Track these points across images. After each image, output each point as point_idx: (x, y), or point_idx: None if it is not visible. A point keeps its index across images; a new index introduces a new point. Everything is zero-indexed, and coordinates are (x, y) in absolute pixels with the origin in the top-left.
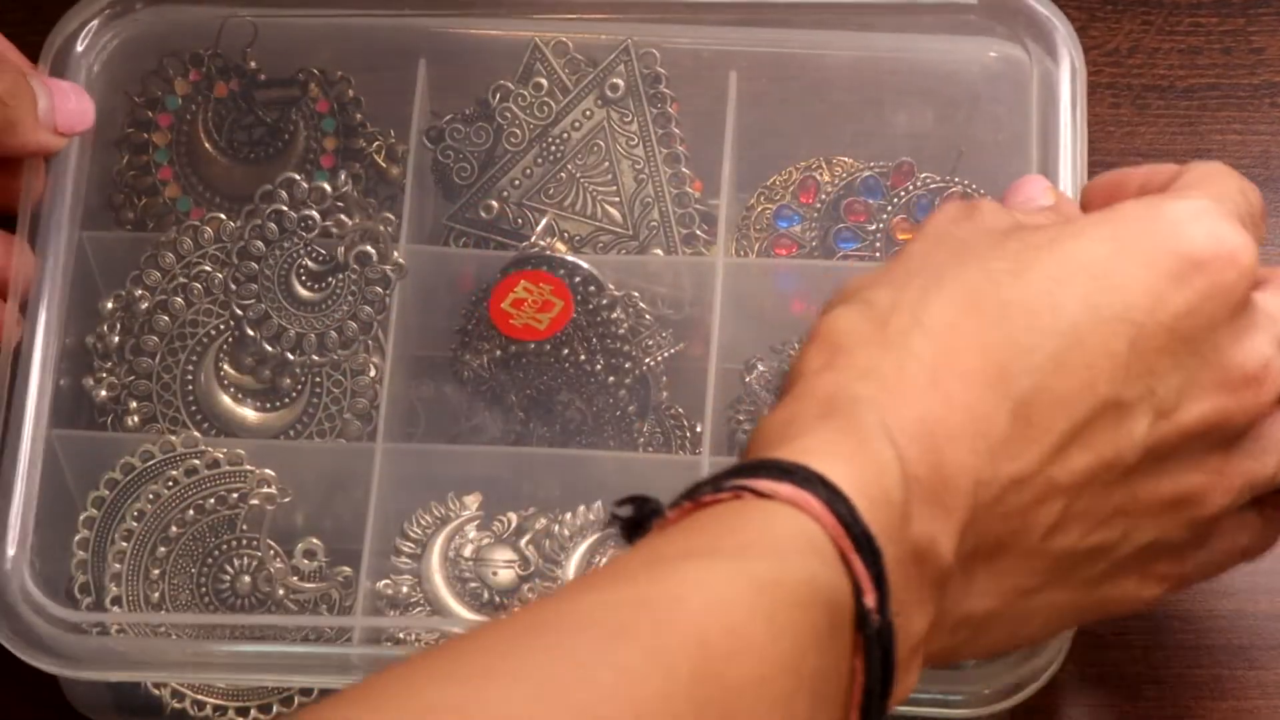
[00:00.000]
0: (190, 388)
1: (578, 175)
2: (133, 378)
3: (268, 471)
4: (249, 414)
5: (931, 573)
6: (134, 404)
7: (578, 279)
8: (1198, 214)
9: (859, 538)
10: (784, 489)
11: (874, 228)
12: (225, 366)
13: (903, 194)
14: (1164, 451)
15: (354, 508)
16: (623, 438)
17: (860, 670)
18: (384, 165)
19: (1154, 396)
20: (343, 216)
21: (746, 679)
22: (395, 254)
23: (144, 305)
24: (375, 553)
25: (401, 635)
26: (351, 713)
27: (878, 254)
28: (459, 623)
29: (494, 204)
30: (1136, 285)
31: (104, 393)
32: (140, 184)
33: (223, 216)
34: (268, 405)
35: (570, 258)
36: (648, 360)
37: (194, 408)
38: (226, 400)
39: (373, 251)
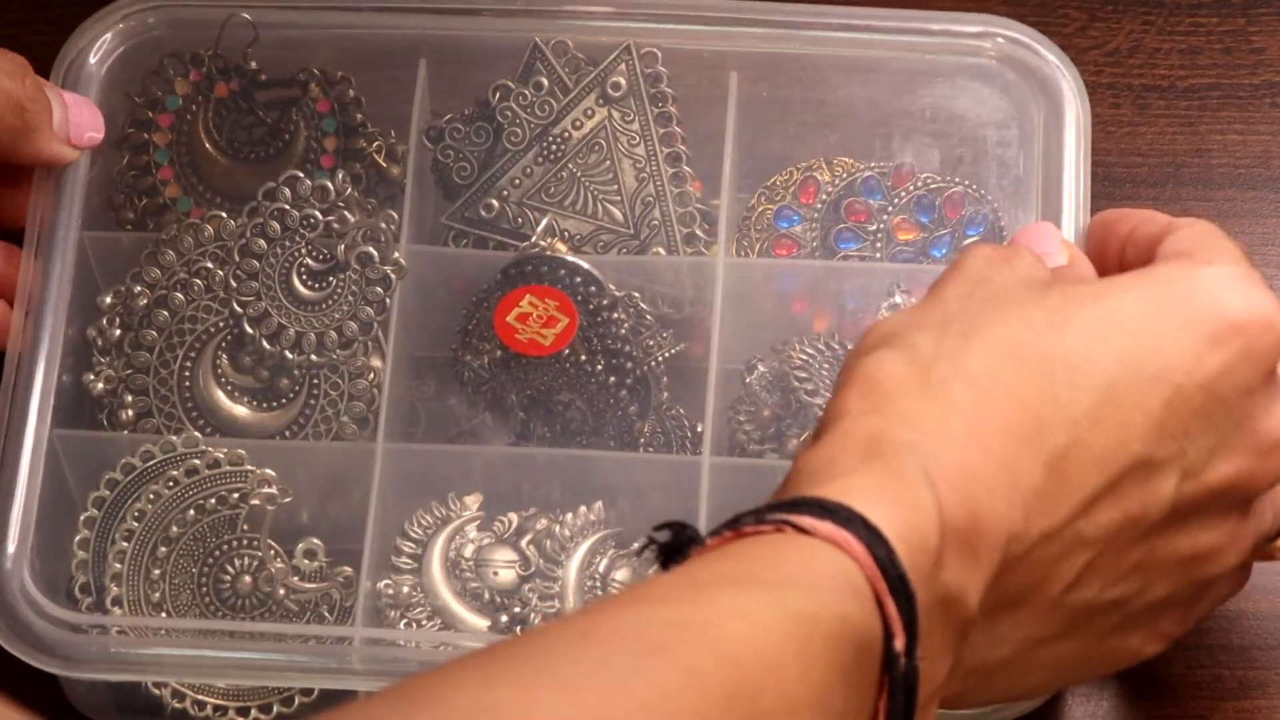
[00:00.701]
0: (188, 384)
1: (578, 174)
2: (130, 371)
3: (268, 472)
4: (245, 412)
5: (956, 621)
6: (130, 398)
7: (578, 279)
8: (1235, 280)
9: (895, 581)
10: (825, 527)
11: (875, 228)
12: (223, 364)
13: (903, 194)
14: (1188, 510)
15: (355, 508)
16: (623, 438)
17: (883, 711)
18: (384, 165)
19: (1185, 456)
20: (346, 213)
21: (777, 708)
22: (396, 254)
23: (143, 301)
24: (376, 553)
25: (401, 642)
26: (386, 714)
27: (878, 254)
28: (460, 626)
29: (494, 203)
30: (1175, 346)
31: (101, 385)
32: (140, 184)
33: (224, 215)
34: (265, 404)
35: (570, 258)
36: (649, 361)
37: (190, 404)
38: (223, 398)
39: (374, 252)
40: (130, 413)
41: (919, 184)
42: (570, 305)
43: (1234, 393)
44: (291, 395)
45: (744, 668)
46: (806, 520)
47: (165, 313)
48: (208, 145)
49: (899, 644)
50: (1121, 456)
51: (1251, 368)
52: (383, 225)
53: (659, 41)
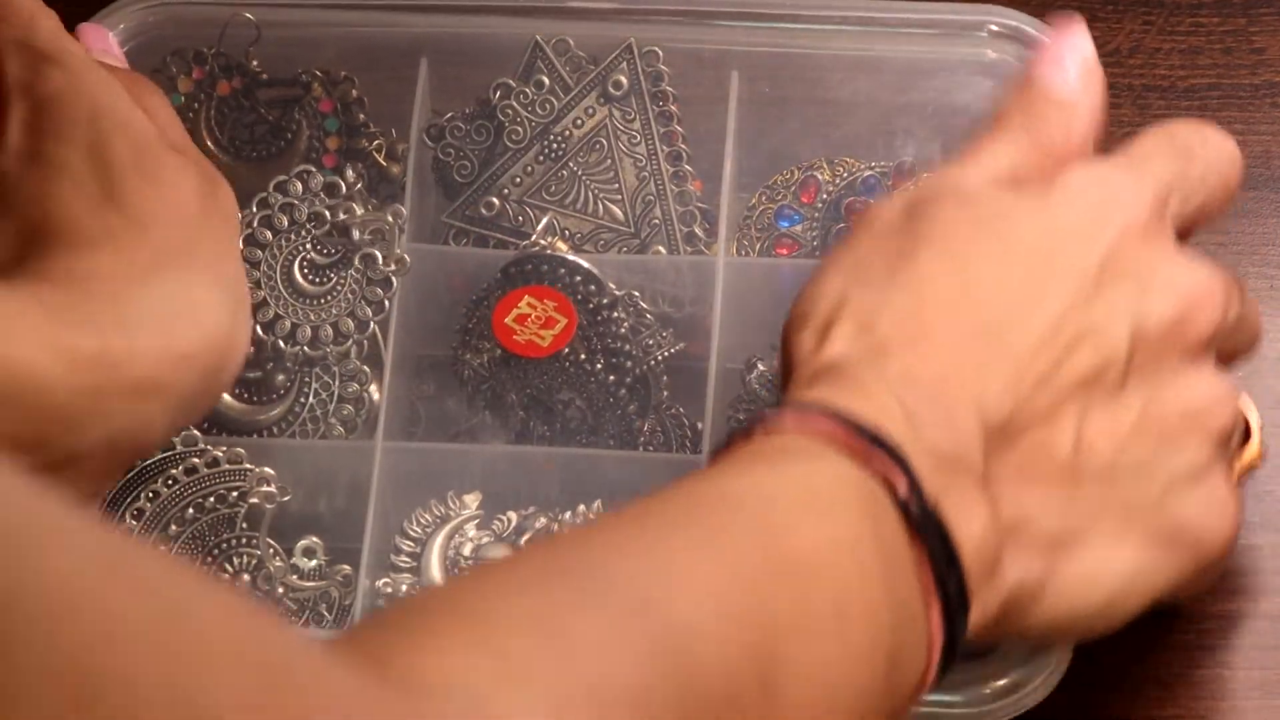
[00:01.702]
0: None
1: (579, 173)
2: None
3: (267, 470)
4: (235, 404)
5: (964, 469)
6: None
7: (578, 278)
8: (1126, 170)
9: (871, 437)
10: (788, 419)
11: None
12: None
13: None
14: (1155, 360)
15: (354, 507)
16: (623, 437)
17: (926, 561)
18: (384, 164)
19: (1120, 311)
20: (354, 206)
21: (814, 554)
22: (398, 250)
23: None
24: (375, 551)
25: None
26: (535, 579)
27: None
28: None
29: (495, 201)
30: (1078, 241)
31: None
32: None
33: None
34: (256, 398)
35: (571, 257)
36: (648, 360)
37: None
38: None
39: (377, 254)
40: None
41: (919, 183)
42: (569, 306)
43: (1136, 252)
44: (283, 391)
45: (770, 524)
46: (769, 423)
47: None
48: (210, 143)
49: (901, 489)
50: (1062, 334)
51: (1128, 226)
52: (389, 220)
53: (660, 40)
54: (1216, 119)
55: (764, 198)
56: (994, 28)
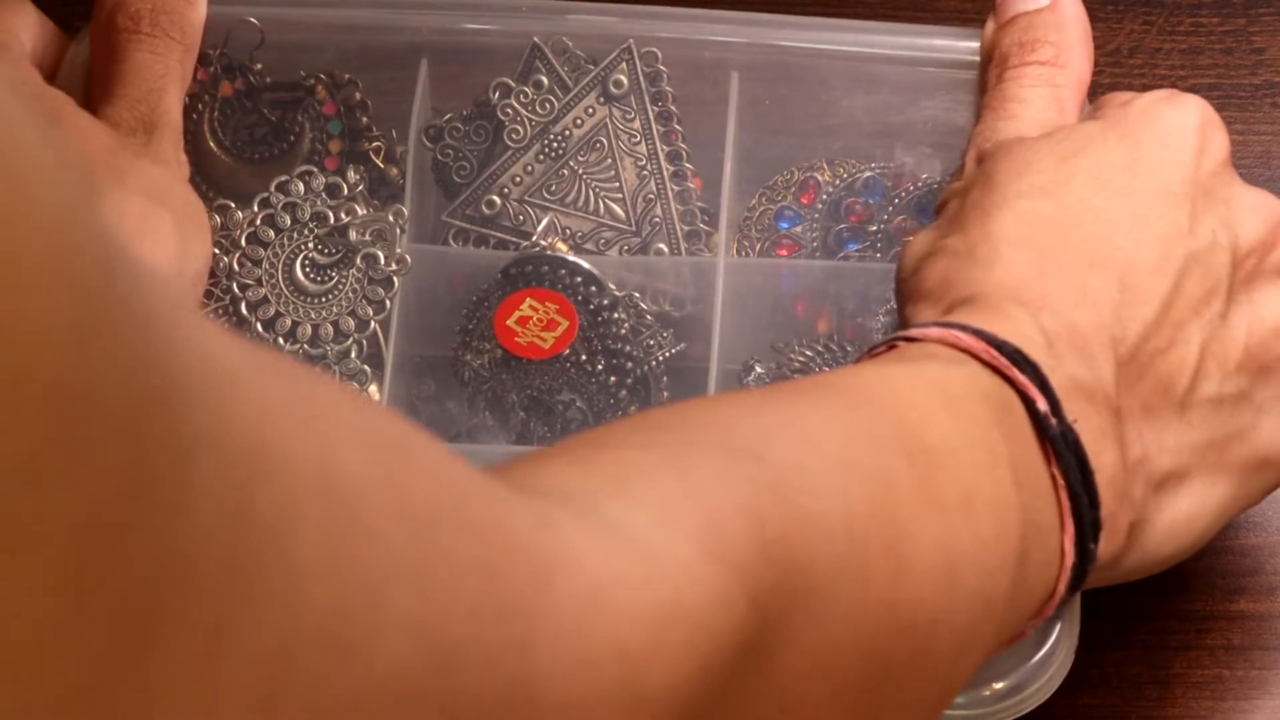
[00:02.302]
0: None
1: (580, 172)
2: None
3: None
4: None
5: (1100, 401)
6: None
7: (579, 279)
8: (1167, 96)
9: (1012, 355)
10: (932, 331)
11: (875, 229)
12: None
13: (903, 195)
14: (1251, 281)
15: None
16: None
17: (1060, 475)
18: (383, 166)
19: (1217, 238)
20: (355, 206)
21: (942, 444)
22: (399, 251)
23: None
24: None
25: None
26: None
27: (879, 255)
28: None
29: (495, 200)
30: (1164, 166)
31: None
32: None
33: (232, 204)
34: None
35: (571, 258)
36: (649, 361)
37: None
38: None
39: (379, 253)
40: None
41: (919, 185)
42: (570, 308)
43: (1213, 178)
44: None
45: (903, 412)
46: (914, 332)
47: None
48: (212, 145)
49: (1041, 405)
50: (1173, 259)
51: (1213, 157)
52: (390, 220)
53: (660, 41)
54: None
55: (764, 199)
56: None
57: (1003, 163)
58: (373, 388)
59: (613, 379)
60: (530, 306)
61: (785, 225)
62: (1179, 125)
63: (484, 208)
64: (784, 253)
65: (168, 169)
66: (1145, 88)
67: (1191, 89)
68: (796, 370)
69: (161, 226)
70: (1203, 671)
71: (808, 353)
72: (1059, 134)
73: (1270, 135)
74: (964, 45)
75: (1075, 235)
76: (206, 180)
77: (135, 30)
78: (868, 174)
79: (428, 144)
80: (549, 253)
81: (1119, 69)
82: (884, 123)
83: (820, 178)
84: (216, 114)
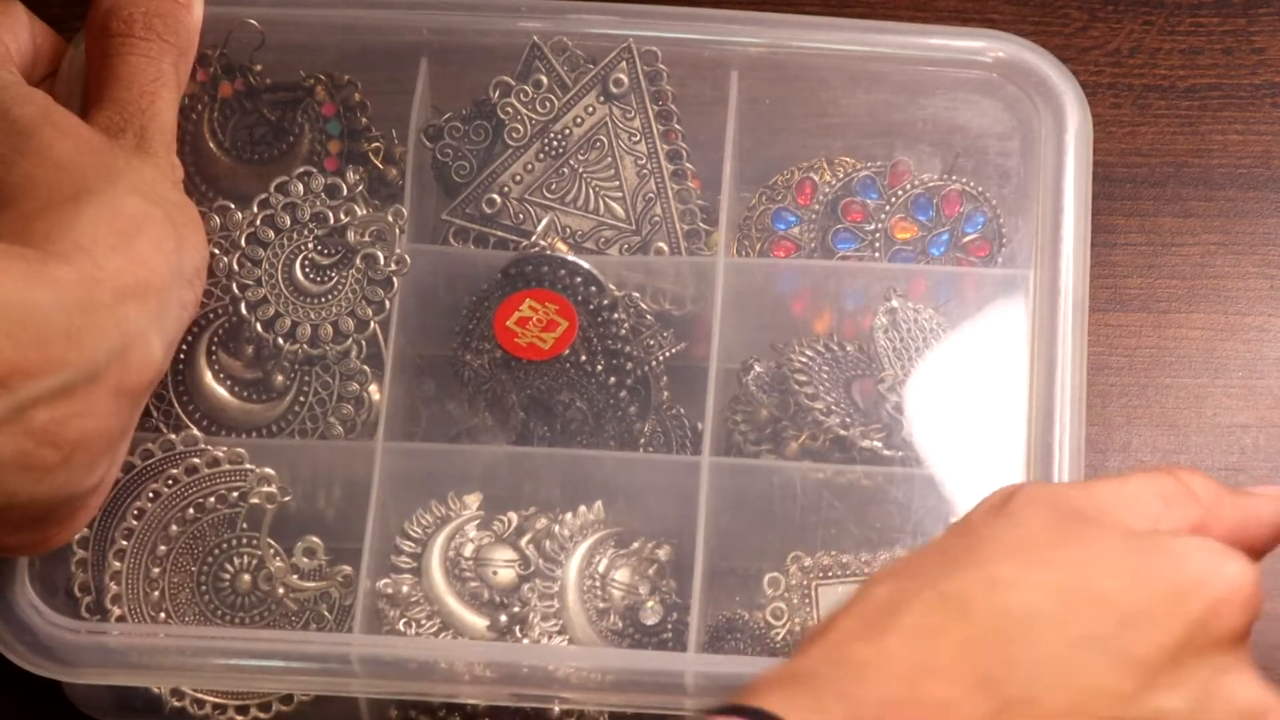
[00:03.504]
0: (181, 371)
1: (580, 170)
2: None
3: (268, 470)
4: (235, 402)
5: None
6: None
7: (578, 279)
8: (1196, 546)
9: None
10: None
11: (872, 228)
12: (218, 352)
13: (900, 193)
14: None
15: (354, 506)
16: (624, 438)
17: None
18: (381, 167)
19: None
20: (355, 206)
21: None
22: (399, 251)
23: None
24: (376, 552)
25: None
26: None
27: (877, 254)
28: (460, 625)
29: (496, 198)
30: (1136, 612)
31: None
32: None
33: (231, 205)
34: (256, 396)
35: (571, 258)
36: (649, 361)
37: (183, 393)
38: (214, 386)
39: (379, 254)
40: None
41: (916, 183)
42: (570, 309)
43: (1196, 656)
44: (283, 390)
45: None
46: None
47: None
48: (212, 145)
49: None
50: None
51: (1209, 632)
52: (389, 220)
53: (659, 40)
54: (1216, 119)
55: (763, 198)
56: (997, 53)
57: (1005, 524)
58: (373, 387)
59: (613, 379)
60: (530, 307)
61: (782, 226)
62: (1187, 577)
63: (484, 206)
64: (781, 253)
65: (159, 170)
66: (1145, 88)
67: (1191, 89)
68: (796, 371)
69: (155, 226)
70: None
71: (808, 352)
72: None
73: (1270, 135)
74: (963, 45)
75: (983, 647)
76: (206, 181)
77: (129, 34)
78: (864, 173)
79: (427, 143)
80: (549, 252)
81: (1119, 69)
82: (884, 121)
83: (817, 177)
84: (216, 115)
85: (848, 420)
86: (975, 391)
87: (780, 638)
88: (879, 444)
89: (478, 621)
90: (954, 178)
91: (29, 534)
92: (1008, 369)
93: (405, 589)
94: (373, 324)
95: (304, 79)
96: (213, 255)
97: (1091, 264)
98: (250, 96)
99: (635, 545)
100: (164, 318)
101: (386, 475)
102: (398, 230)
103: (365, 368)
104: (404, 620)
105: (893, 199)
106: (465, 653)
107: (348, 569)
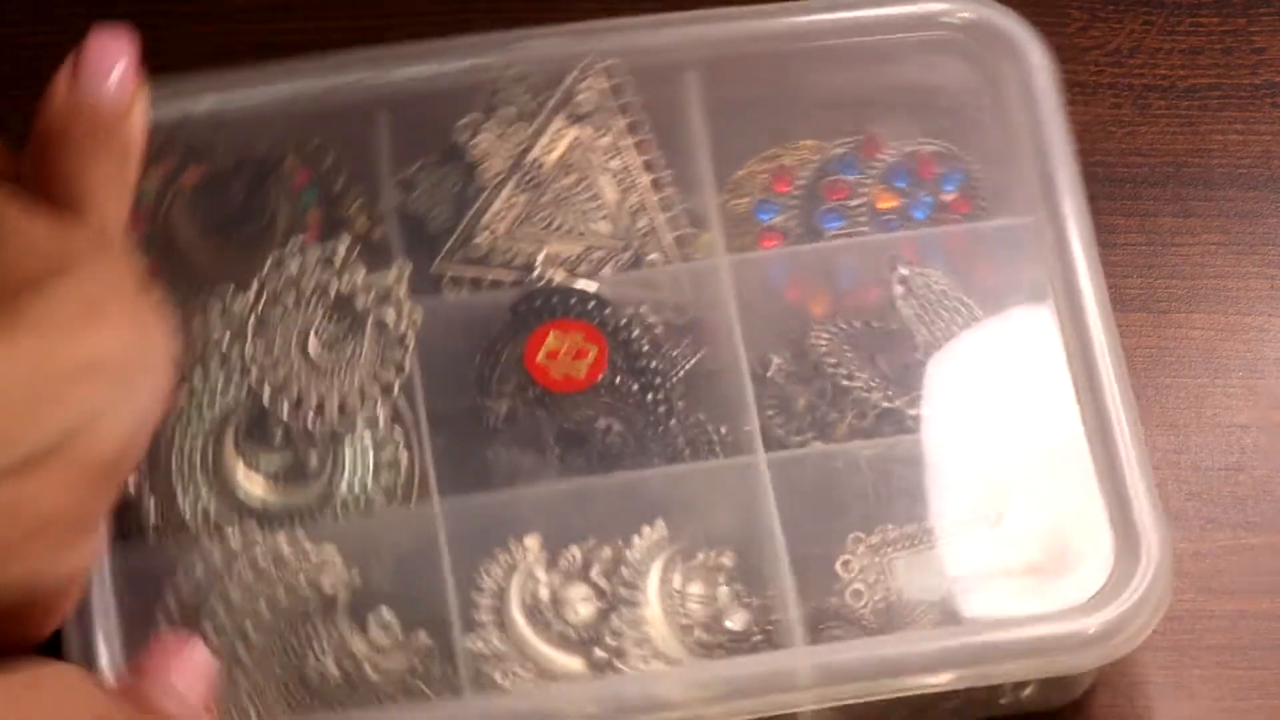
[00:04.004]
0: (211, 471)
1: (561, 197)
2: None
3: (330, 549)
4: (273, 491)
5: None
6: (155, 499)
7: (590, 305)
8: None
9: None
10: None
11: (857, 203)
12: (244, 442)
13: (876, 164)
14: None
15: (424, 571)
16: (668, 453)
17: None
18: (367, 224)
19: None
20: (351, 272)
21: None
22: (406, 308)
23: None
24: (458, 613)
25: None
26: None
27: (865, 228)
28: (557, 669)
29: (479, 243)
30: None
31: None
32: None
33: (232, 287)
34: (293, 480)
35: (578, 285)
36: (675, 372)
37: (220, 491)
38: (250, 478)
39: (388, 314)
40: (159, 516)
41: (889, 150)
42: (596, 332)
43: None
44: (318, 469)
45: None
46: None
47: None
48: (190, 234)
49: None
50: None
51: None
52: (390, 280)
53: (615, 53)
54: (1217, 119)
55: (740, 192)
56: (951, 10)
57: None
58: (403, 453)
59: (648, 396)
60: (555, 339)
61: (766, 217)
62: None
63: (473, 250)
64: (769, 243)
65: (120, 261)
66: (1145, 88)
67: (1191, 89)
68: (825, 354)
69: (120, 310)
70: (1203, 672)
71: (824, 336)
72: None
73: (1270, 135)
74: (918, 10)
75: None
76: (190, 270)
77: (65, 141)
78: (839, 150)
79: (402, 193)
80: (553, 283)
81: (1119, 69)
82: (854, 96)
83: (793, 162)
84: (186, 203)
85: (890, 393)
86: (1007, 342)
87: (868, 616)
88: (924, 411)
89: (571, 662)
90: (925, 140)
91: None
92: (1032, 317)
93: (495, 642)
94: (396, 385)
95: (270, 151)
96: (219, 341)
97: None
98: (217, 179)
99: (700, 557)
100: (130, 401)
101: (447, 533)
102: (401, 289)
103: (398, 429)
104: (499, 673)
105: (870, 171)
106: (580, 694)
107: (427, 636)
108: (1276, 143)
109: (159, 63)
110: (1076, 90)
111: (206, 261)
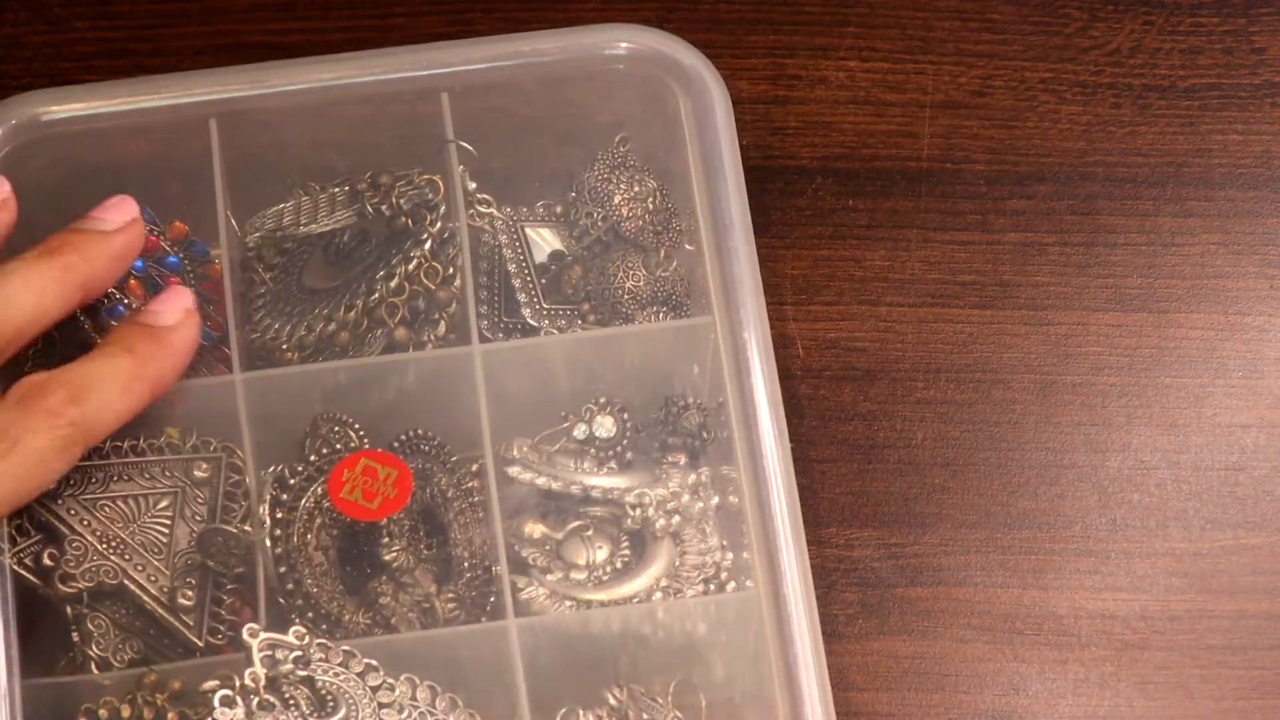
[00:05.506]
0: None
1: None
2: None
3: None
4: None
5: None
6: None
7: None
8: None
9: None
10: None
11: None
12: None
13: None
14: None
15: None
16: None
17: None
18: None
19: None
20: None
21: None
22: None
23: None
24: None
25: None
26: None
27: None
28: None
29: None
30: None
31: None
32: None
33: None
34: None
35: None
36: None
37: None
38: None
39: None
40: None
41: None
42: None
43: None
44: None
45: None
46: None
47: None
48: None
49: None
50: None
51: None
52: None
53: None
54: (1217, 119)
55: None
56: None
57: None
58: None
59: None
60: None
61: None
62: None
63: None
64: None
65: None
66: (1145, 88)
67: (1191, 89)
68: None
69: None
70: (1203, 671)
71: None
72: None
73: (1270, 135)
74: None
75: None
76: None
77: None
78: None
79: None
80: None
81: (1119, 69)
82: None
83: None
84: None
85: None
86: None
87: None
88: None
89: None
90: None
91: None
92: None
93: None
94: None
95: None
96: None
97: (1091, 264)
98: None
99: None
100: None
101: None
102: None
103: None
104: None
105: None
106: None
107: None
108: (1276, 143)
109: (159, 63)
110: (1076, 90)
111: None
